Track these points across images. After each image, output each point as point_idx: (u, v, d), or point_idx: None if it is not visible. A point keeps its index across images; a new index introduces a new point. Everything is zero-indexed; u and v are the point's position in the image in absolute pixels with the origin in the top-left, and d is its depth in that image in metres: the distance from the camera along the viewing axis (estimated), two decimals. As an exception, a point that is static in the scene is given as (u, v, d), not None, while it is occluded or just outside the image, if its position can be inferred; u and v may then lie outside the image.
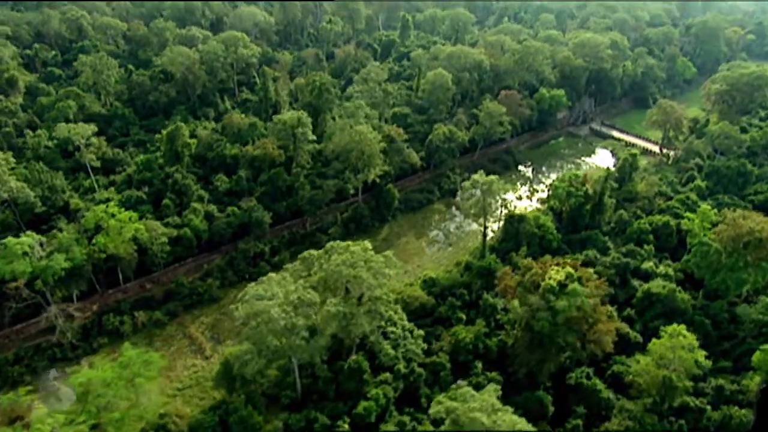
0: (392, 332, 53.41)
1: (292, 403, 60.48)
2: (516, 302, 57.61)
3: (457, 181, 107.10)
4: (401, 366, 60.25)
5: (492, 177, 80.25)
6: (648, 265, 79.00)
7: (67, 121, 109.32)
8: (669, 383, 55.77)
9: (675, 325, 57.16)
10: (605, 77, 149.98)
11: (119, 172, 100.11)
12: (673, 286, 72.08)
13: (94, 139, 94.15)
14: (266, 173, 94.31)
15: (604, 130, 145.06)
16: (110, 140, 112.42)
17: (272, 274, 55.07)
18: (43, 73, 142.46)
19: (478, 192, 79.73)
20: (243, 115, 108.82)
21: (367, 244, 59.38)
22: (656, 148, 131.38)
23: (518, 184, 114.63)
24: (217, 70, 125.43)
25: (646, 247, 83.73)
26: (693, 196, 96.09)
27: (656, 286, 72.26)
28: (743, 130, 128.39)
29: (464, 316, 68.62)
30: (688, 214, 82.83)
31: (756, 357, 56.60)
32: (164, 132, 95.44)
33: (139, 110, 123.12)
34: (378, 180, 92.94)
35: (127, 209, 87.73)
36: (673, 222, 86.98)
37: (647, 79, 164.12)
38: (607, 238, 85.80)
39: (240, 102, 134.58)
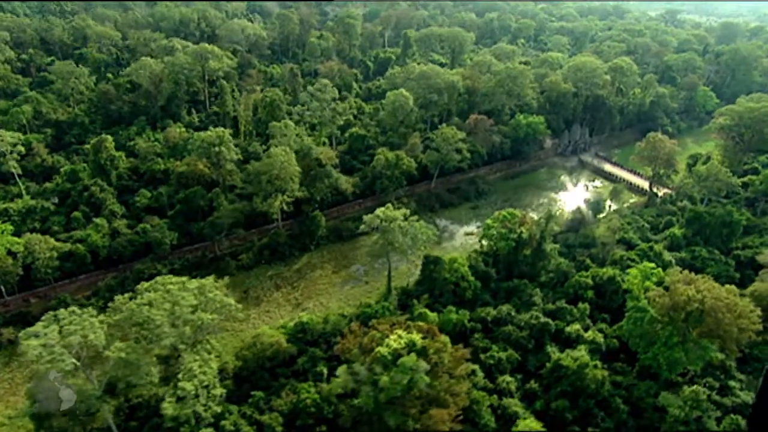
0: (182, 388, 46.16)
1: (108, 449, 54.29)
2: (342, 368, 48.66)
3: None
4: (228, 423, 52.68)
5: (397, 212, 71.49)
6: (574, 328, 66.97)
7: (21, 126, 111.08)
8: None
9: (528, 420, 46.20)
10: (602, 105, 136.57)
11: (54, 181, 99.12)
12: (587, 359, 59.89)
13: (21, 147, 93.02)
14: (184, 191, 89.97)
15: (596, 162, 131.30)
16: (65, 147, 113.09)
17: (63, 310, 49.41)
18: (37, 78, 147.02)
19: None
20: (183, 129, 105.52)
21: (194, 282, 52.43)
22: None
23: (474, 218, 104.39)
24: (181, 81, 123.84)
25: (581, 305, 71.59)
26: (658, 247, 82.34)
27: (567, 357, 60.55)
28: (753, 171, 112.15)
29: (326, 371, 59.91)
30: (631, 269, 70.16)
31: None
32: (91, 143, 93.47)
33: (105, 119, 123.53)
34: (284, 206, 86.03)
35: (40, 220, 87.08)
36: (621, 277, 74.34)
37: (657, 109, 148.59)
38: (538, 290, 74.17)
39: (210, 114, 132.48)
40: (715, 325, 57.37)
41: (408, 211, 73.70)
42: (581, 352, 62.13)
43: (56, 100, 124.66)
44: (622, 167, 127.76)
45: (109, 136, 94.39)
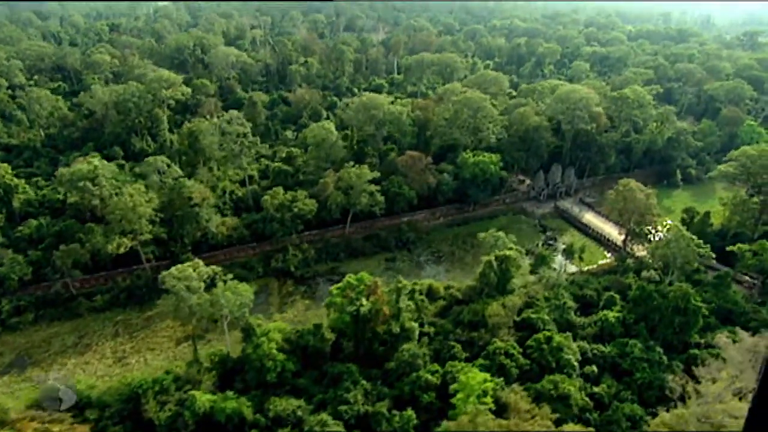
0: None
1: None
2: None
3: (292, 260, 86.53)
4: None
5: (194, 271, 59.73)
6: (377, 445, 50.27)
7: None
8: None
9: None
10: (593, 141, 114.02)
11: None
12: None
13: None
14: (61, 223, 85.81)
15: (576, 210, 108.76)
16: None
17: None
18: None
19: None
20: (95, 159, 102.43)
21: None
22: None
23: (385, 272, 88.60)
24: (131, 109, 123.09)
25: (407, 412, 53.82)
26: (561, 338, 61.74)
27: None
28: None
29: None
30: (463, 376, 51.57)
31: None
32: None
33: (64, 144, 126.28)
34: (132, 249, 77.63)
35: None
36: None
37: (676, 147, 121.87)
38: (365, 382, 57.73)
39: (169, 141, 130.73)
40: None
41: (220, 269, 61.76)
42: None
43: (24, 125, 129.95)
44: (607, 218, 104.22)
45: (5, 164, 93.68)
